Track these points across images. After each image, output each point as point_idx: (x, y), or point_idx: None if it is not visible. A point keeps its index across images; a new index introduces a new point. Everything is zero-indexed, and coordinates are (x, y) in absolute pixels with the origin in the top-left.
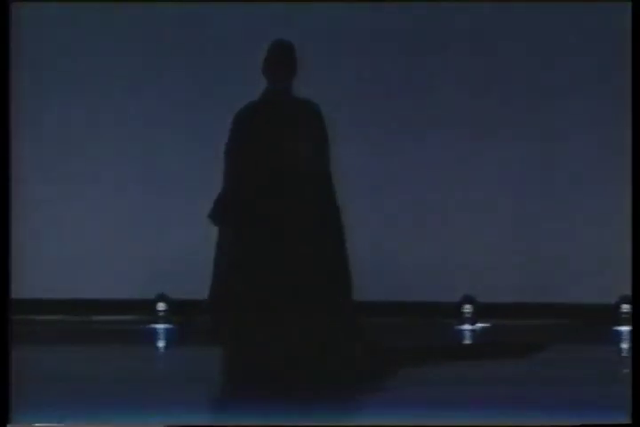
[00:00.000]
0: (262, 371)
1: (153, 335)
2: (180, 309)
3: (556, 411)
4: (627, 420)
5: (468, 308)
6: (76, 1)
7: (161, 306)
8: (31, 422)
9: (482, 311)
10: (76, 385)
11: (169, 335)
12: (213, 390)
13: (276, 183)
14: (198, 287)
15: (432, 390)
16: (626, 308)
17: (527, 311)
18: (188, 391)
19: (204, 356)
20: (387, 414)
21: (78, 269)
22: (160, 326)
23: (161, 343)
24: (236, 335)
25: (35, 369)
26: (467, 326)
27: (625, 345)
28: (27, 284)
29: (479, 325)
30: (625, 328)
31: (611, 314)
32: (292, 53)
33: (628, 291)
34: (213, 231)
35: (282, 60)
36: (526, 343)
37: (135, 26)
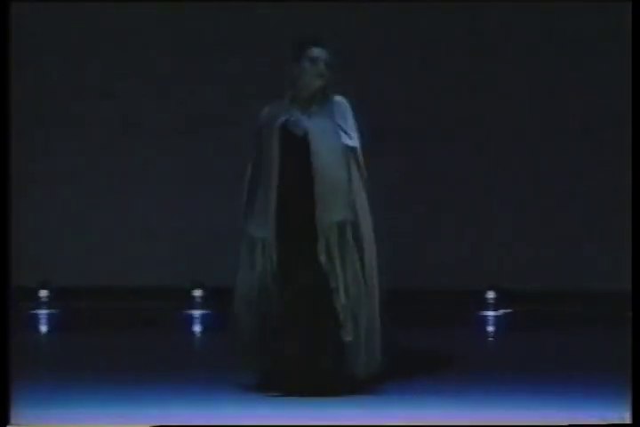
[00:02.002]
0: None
1: (190, 321)
2: (215, 295)
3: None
4: (627, 420)
5: (491, 294)
6: (75, 1)
7: (197, 292)
8: (31, 422)
9: (505, 298)
10: (111, 370)
11: (205, 321)
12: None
13: (307, 188)
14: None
15: (430, 381)
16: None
17: (549, 298)
18: (223, 376)
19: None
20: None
21: (116, 257)
22: (196, 312)
23: (197, 328)
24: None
25: (70, 355)
26: (490, 312)
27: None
28: (67, 271)
29: (502, 311)
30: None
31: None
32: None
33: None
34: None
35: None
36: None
37: (136, 25)
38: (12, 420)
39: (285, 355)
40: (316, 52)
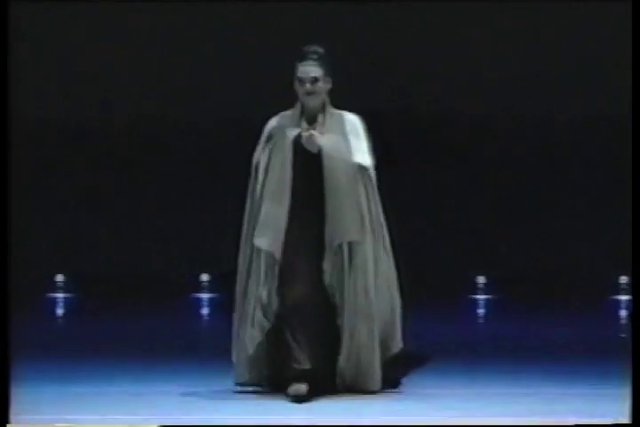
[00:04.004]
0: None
1: (197, 304)
2: (221, 280)
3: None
4: (627, 420)
5: (481, 279)
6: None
7: (204, 277)
8: (31, 422)
9: (494, 283)
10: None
11: (211, 304)
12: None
13: (317, 205)
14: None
15: (432, 368)
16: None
17: (534, 283)
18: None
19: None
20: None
21: (128, 245)
22: (204, 296)
23: (205, 311)
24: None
25: (83, 336)
26: (480, 296)
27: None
28: (82, 258)
29: (491, 295)
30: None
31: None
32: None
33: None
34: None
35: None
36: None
37: (135, 26)
38: (12, 420)
39: (283, 370)
40: (302, 71)
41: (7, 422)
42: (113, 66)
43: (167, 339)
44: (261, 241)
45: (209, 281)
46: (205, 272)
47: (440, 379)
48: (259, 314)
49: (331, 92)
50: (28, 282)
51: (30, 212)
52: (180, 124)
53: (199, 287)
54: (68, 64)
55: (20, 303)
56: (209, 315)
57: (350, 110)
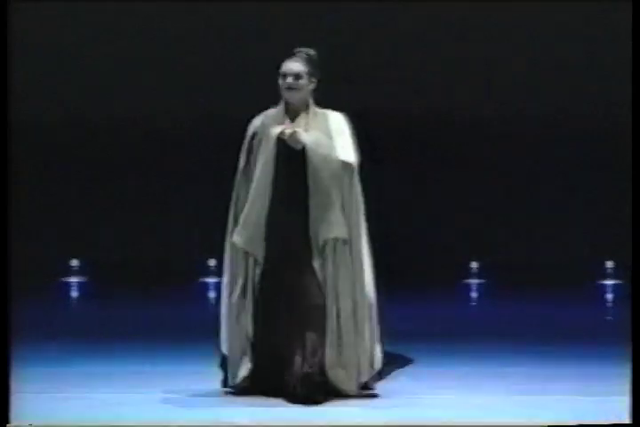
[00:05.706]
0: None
1: (205, 288)
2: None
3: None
4: (627, 420)
5: (474, 264)
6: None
7: (212, 262)
8: (31, 422)
9: (486, 268)
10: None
11: (218, 288)
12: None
13: (301, 202)
14: None
15: (427, 349)
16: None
17: (524, 269)
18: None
19: None
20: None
21: (138, 233)
22: (211, 280)
23: (212, 295)
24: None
25: (97, 316)
26: (473, 280)
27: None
28: (96, 244)
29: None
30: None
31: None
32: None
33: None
34: None
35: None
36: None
37: (134, 25)
38: (12, 420)
39: (264, 371)
40: (285, 65)
41: (7, 422)
42: (112, 65)
43: (176, 322)
44: (240, 240)
45: (216, 266)
46: (213, 258)
47: (435, 360)
48: (241, 314)
49: (326, 92)
50: (44, 267)
51: (45, 198)
52: (183, 120)
53: (207, 272)
54: (68, 64)
55: (36, 287)
56: (216, 299)
57: (343, 110)
